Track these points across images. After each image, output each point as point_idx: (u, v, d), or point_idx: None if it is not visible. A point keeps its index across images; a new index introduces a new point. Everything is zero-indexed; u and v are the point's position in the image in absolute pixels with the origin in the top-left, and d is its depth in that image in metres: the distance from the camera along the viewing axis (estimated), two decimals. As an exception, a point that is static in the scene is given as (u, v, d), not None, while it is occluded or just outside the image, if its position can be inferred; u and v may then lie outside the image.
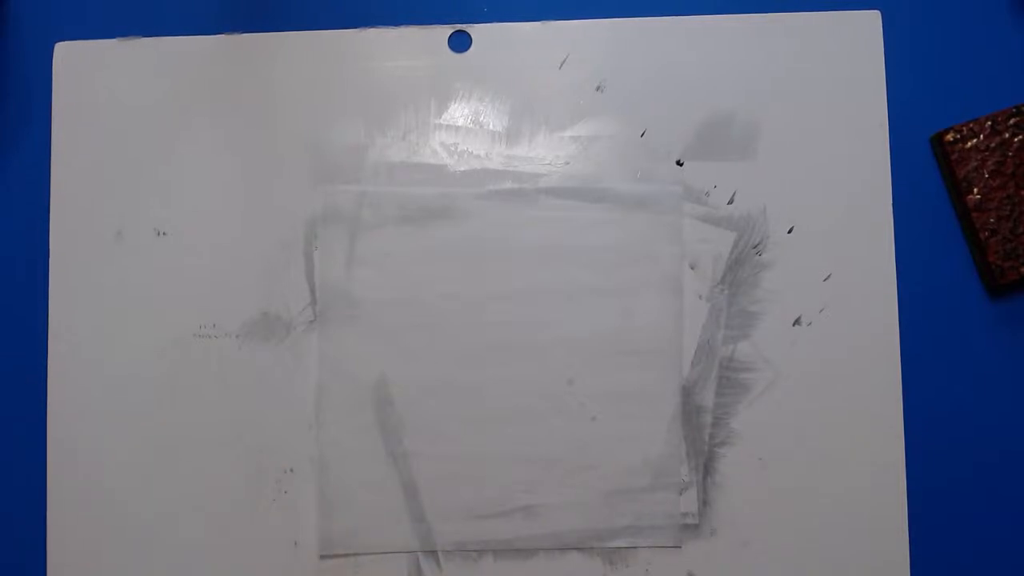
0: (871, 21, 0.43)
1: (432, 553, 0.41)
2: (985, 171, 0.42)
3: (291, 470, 0.42)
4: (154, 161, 0.44)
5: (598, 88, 0.43)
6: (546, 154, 0.43)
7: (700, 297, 0.42)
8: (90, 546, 0.42)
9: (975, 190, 0.42)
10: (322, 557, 0.42)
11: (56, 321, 0.43)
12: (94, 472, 0.42)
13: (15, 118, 0.44)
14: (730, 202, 0.43)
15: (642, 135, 0.43)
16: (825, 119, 0.43)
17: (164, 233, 0.43)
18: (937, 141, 0.43)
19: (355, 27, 0.44)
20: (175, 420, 0.42)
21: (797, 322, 0.42)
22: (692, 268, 0.42)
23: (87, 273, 0.43)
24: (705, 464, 0.42)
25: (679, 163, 0.43)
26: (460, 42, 0.44)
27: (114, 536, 0.42)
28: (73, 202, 0.43)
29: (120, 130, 0.44)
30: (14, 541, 0.43)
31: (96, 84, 0.44)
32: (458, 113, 0.43)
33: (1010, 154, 0.42)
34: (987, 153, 0.42)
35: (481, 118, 0.43)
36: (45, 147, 0.44)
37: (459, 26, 0.44)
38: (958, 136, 0.42)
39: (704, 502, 0.41)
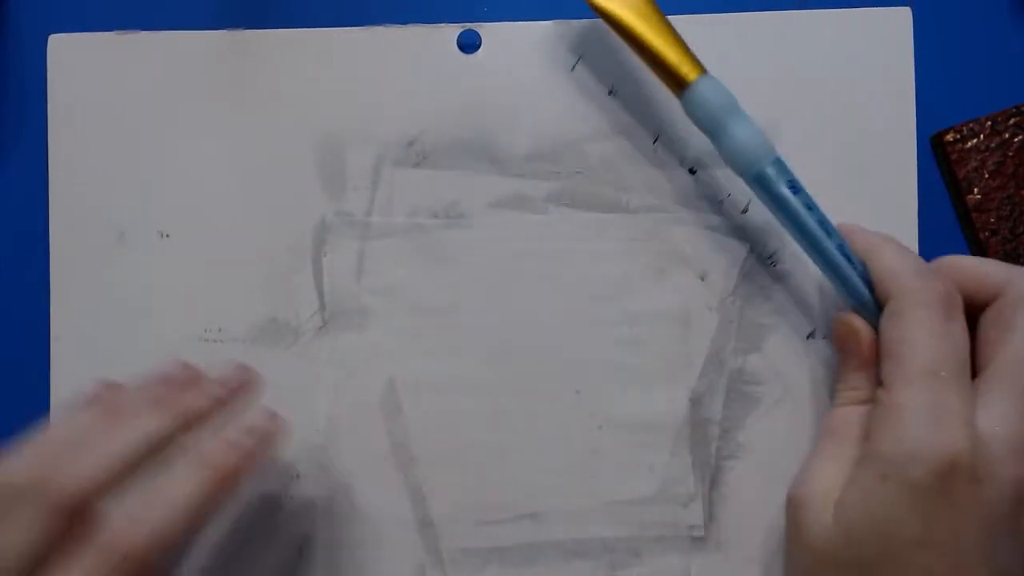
0: (901, 18, 0.41)
1: (437, 559, 0.42)
2: (985, 171, 0.42)
3: (297, 476, 0.42)
4: (157, 161, 0.43)
5: (610, 92, 0.42)
6: (555, 158, 0.42)
7: (710, 308, 0.42)
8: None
9: (975, 190, 0.42)
10: (324, 558, 0.42)
11: (58, 325, 0.43)
12: (103, 475, 0.42)
13: (14, 117, 0.44)
14: (744, 211, 0.42)
15: (654, 141, 0.42)
16: (845, 130, 0.41)
17: (168, 235, 0.43)
18: (937, 141, 0.42)
19: (358, 25, 0.43)
20: (182, 425, 0.42)
21: (811, 335, 0.41)
22: (703, 279, 0.42)
23: (89, 276, 0.43)
24: (712, 477, 0.41)
25: (692, 171, 0.42)
26: (469, 42, 0.42)
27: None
28: (73, 203, 0.43)
29: (121, 129, 0.43)
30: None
31: (95, 80, 0.43)
32: (466, 116, 0.42)
33: (1010, 154, 0.42)
34: (987, 153, 0.42)
35: (489, 121, 0.42)
36: (44, 147, 0.43)
37: (468, 25, 0.42)
38: (958, 136, 0.42)
39: (710, 515, 0.41)
